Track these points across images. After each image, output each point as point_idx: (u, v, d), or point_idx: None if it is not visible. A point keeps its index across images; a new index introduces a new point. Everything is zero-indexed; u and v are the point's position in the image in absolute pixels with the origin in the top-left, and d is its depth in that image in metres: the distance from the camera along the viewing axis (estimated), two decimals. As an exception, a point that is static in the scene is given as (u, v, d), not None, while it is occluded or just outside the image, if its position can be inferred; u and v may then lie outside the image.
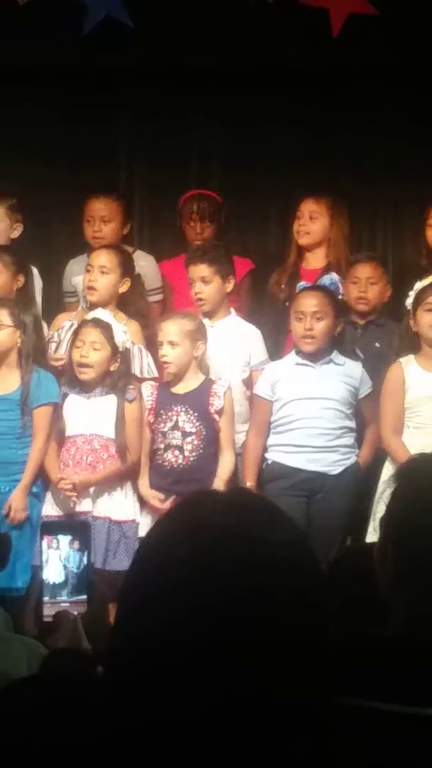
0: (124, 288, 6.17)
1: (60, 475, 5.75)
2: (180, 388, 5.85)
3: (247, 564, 1.42)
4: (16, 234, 6.54)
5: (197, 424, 5.78)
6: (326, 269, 6.41)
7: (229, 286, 6.14)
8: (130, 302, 6.23)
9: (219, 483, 5.67)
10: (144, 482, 5.82)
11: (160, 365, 5.97)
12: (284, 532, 1.47)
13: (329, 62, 6.86)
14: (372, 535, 5.41)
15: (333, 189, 6.63)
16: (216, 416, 5.78)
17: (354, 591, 2.53)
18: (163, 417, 5.80)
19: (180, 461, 5.76)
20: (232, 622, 1.39)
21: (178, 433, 5.78)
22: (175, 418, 5.79)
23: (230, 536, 1.44)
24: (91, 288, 6.13)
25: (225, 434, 5.82)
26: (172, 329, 5.80)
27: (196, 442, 5.76)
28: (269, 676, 1.39)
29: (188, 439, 5.77)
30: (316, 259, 6.47)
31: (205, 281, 6.09)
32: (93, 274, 6.13)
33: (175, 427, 5.79)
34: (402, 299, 6.04)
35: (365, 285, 6.21)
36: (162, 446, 5.79)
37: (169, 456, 5.78)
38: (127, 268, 6.20)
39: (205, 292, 6.09)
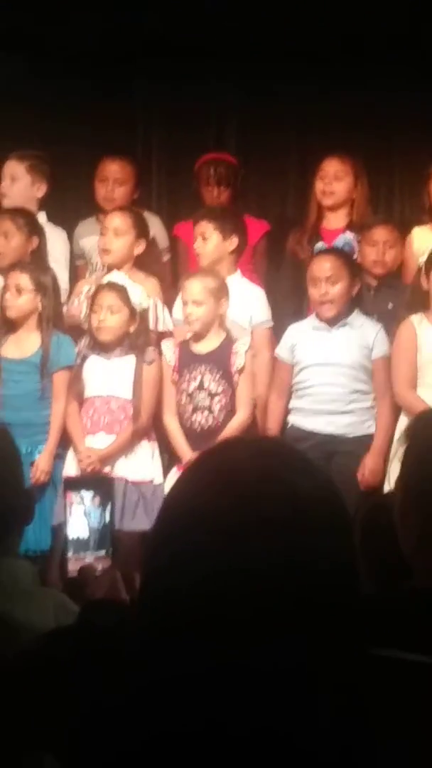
0: (139, 249, 6.17)
1: (81, 447, 5.79)
2: (202, 347, 5.86)
3: (282, 518, 1.37)
4: (39, 194, 6.51)
5: (222, 383, 5.80)
6: (347, 229, 6.39)
7: (231, 245, 6.11)
8: (146, 263, 6.22)
9: None
10: (180, 444, 5.80)
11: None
12: (316, 479, 1.44)
13: (343, 21, 6.81)
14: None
15: (349, 147, 6.59)
16: (236, 376, 5.81)
17: (377, 547, 2.53)
18: (187, 377, 5.83)
19: (210, 422, 5.78)
20: (267, 578, 1.35)
21: (204, 394, 5.80)
22: (199, 378, 5.82)
23: (263, 487, 1.41)
24: (105, 250, 6.14)
25: (242, 392, 5.83)
26: (196, 288, 5.82)
27: (224, 402, 5.79)
28: (303, 633, 1.38)
29: (216, 399, 5.80)
30: (337, 219, 6.43)
31: (204, 237, 6.09)
32: (107, 236, 6.13)
33: (201, 387, 5.82)
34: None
35: (383, 248, 6.19)
36: (190, 408, 5.82)
37: (199, 417, 5.80)
38: (141, 229, 6.20)
39: (202, 248, 6.09)
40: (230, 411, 5.80)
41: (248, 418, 5.84)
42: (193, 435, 5.78)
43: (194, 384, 5.81)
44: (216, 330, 5.87)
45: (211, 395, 5.79)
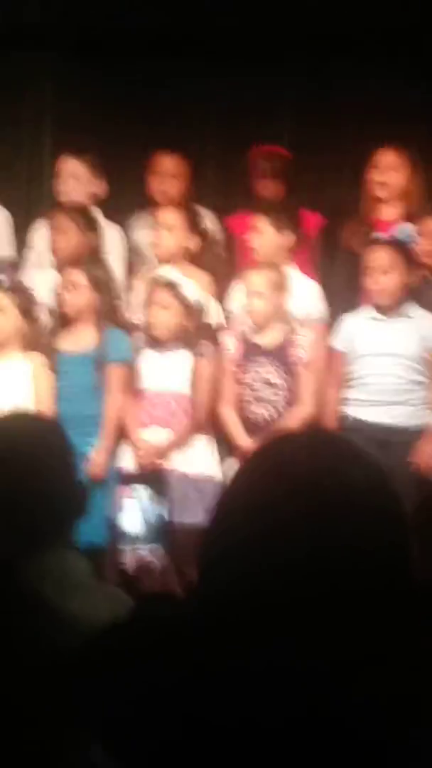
0: (192, 244, 6.18)
1: (137, 439, 5.79)
2: (265, 340, 5.87)
3: (336, 510, 1.39)
4: (98, 191, 6.53)
5: (284, 376, 5.80)
6: (402, 221, 6.35)
7: (285, 239, 6.10)
8: (200, 257, 6.23)
9: None
10: (238, 432, 5.79)
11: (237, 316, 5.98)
12: (369, 470, 1.45)
13: (397, 15, 6.78)
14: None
15: (404, 139, 6.56)
16: (300, 368, 5.80)
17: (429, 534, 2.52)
18: (249, 369, 5.83)
19: (272, 414, 5.77)
20: (323, 569, 1.37)
21: (266, 386, 5.80)
22: (261, 370, 5.82)
23: (317, 479, 1.42)
24: (157, 246, 6.17)
25: (305, 385, 5.83)
26: (257, 280, 5.83)
27: (285, 394, 5.78)
28: (359, 624, 1.38)
29: (278, 392, 5.79)
30: (391, 211, 6.40)
31: (258, 231, 6.09)
32: (160, 232, 6.16)
33: (263, 379, 5.82)
34: None
35: None
36: (251, 399, 5.81)
37: (261, 410, 5.80)
38: (194, 224, 6.21)
39: (257, 242, 6.09)
40: (291, 403, 5.79)
41: (311, 411, 5.83)
42: (253, 427, 5.78)
43: (257, 376, 5.82)
44: (278, 323, 5.87)
45: (274, 388, 5.80)
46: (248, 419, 5.81)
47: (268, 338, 5.87)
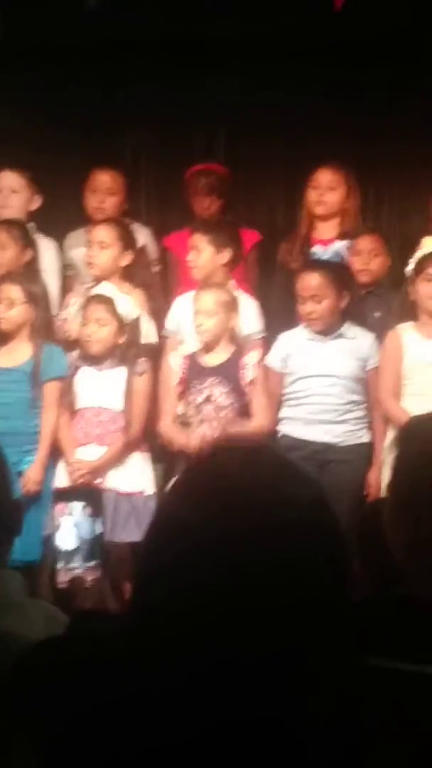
0: (125, 261, 6.17)
1: (71, 458, 5.77)
2: (211, 359, 5.87)
3: (272, 526, 1.38)
4: (34, 206, 6.52)
5: (232, 395, 5.80)
6: (338, 239, 6.38)
7: (224, 258, 6.10)
8: (134, 274, 6.22)
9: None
10: (166, 422, 5.81)
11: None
12: (307, 487, 1.45)
13: (331, 32, 6.81)
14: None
15: (336, 156, 6.60)
16: (247, 388, 5.80)
17: (371, 552, 2.53)
18: (195, 389, 5.82)
19: (216, 434, 5.75)
20: (258, 586, 1.36)
21: (212, 407, 5.80)
22: (207, 391, 5.81)
23: (253, 495, 1.41)
24: (91, 264, 6.15)
25: (257, 403, 5.82)
26: (207, 299, 5.83)
27: (231, 415, 5.77)
28: (294, 639, 1.38)
29: (223, 413, 5.78)
30: (328, 229, 6.43)
31: (198, 250, 6.09)
32: (93, 249, 6.15)
33: (209, 399, 5.81)
34: (400, 268, 6.05)
35: (368, 257, 6.22)
36: (197, 420, 5.79)
37: (206, 429, 5.78)
38: (127, 241, 6.20)
39: (195, 261, 6.09)
40: (236, 422, 5.76)
41: (264, 425, 5.82)
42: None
43: (202, 397, 5.81)
44: (226, 343, 5.88)
45: (219, 408, 5.79)
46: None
47: (216, 358, 5.87)
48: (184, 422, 5.83)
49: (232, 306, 5.86)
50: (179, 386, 5.86)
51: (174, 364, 5.90)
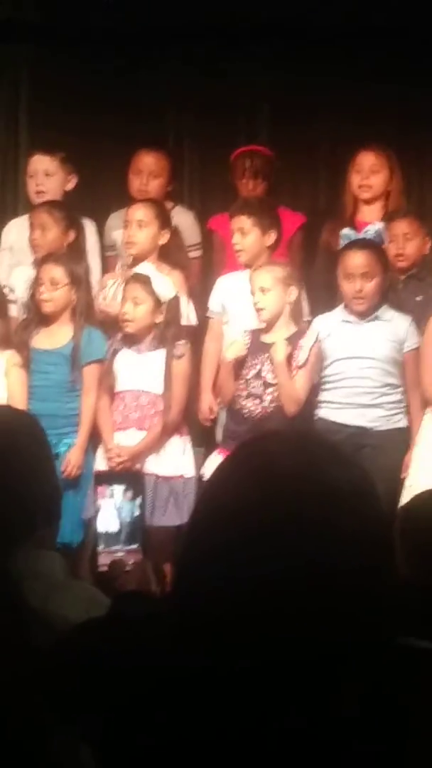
0: (163, 240, 6.16)
1: (110, 443, 5.78)
2: (271, 337, 5.82)
3: (318, 514, 1.37)
4: (70, 186, 6.52)
5: None
6: (382, 221, 6.35)
7: (270, 240, 6.08)
8: (170, 254, 6.21)
9: None
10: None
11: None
12: (351, 472, 1.44)
13: (378, 14, 6.78)
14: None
15: (381, 138, 6.56)
16: (295, 369, 5.75)
17: (416, 537, 2.53)
18: (249, 364, 5.79)
19: (258, 410, 5.74)
20: (301, 574, 1.36)
21: (259, 383, 5.77)
22: (259, 366, 5.78)
23: (300, 483, 1.40)
24: (129, 243, 6.14)
25: (298, 387, 5.76)
26: (263, 276, 5.78)
27: (276, 394, 5.75)
28: (338, 624, 1.37)
29: (269, 390, 5.76)
30: (372, 212, 6.41)
31: (243, 232, 6.06)
32: (131, 228, 6.13)
33: (258, 376, 5.78)
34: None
35: (402, 241, 6.17)
36: (243, 393, 5.78)
37: (249, 404, 5.76)
38: (164, 219, 6.19)
39: (242, 243, 6.07)
40: (281, 404, 5.74)
41: (293, 411, 5.76)
42: (239, 418, 5.76)
43: (253, 371, 5.78)
44: (286, 321, 5.83)
45: (266, 385, 5.76)
46: (236, 410, 5.78)
47: (274, 335, 5.80)
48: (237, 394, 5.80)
49: (288, 281, 5.80)
50: (239, 364, 5.81)
51: (244, 339, 5.82)
